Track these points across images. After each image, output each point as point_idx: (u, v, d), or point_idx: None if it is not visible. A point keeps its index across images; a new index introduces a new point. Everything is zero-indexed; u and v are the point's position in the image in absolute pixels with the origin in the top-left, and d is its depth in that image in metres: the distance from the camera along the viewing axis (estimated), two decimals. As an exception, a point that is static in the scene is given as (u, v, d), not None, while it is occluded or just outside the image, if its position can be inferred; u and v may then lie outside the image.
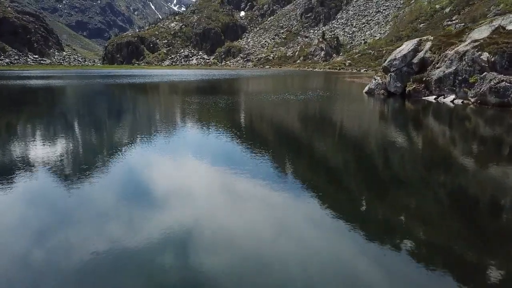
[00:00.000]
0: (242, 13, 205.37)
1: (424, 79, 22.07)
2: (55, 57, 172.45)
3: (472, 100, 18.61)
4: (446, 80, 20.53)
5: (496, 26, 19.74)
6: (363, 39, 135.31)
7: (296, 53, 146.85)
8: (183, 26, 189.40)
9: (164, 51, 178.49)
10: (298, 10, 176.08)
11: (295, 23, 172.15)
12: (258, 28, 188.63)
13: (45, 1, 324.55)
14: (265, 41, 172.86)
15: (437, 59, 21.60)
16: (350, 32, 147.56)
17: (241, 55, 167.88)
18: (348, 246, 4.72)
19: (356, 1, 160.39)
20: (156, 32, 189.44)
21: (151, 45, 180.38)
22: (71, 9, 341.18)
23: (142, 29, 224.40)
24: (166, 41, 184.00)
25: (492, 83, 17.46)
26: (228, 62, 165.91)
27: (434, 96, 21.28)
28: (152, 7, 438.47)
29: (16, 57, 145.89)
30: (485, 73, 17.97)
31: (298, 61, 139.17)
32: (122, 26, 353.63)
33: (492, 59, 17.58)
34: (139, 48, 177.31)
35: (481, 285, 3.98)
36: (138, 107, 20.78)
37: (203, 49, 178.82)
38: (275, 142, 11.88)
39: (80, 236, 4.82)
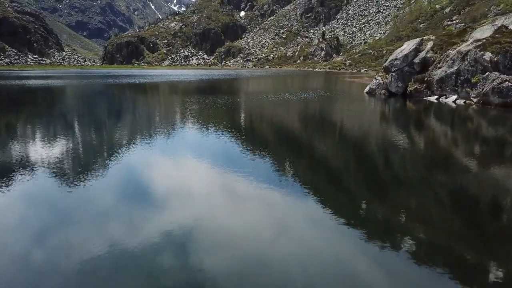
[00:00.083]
0: (242, 13, 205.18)
1: (425, 79, 21.91)
2: (55, 57, 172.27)
3: (475, 100, 18.45)
4: (448, 80, 20.36)
5: (499, 25, 19.57)
6: (363, 39, 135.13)
7: (296, 53, 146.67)
8: (183, 26, 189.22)
9: (164, 51, 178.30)
10: (298, 10, 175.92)
11: (295, 23, 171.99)
12: (258, 28, 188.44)
13: (45, 1, 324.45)
14: (265, 41, 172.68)
15: (439, 59, 21.44)
16: (350, 32, 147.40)
17: (241, 55, 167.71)
18: (348, 246, 4.70)
19: (356, 1, 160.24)
20: (156, 32, 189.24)
21: (151, 45, 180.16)
22: (71, 9, 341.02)
23: (142, 29, 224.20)
24: (166, 41, 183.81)
25: (495, 83, 17.30)
26: (228, 62, 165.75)
27: (436, 96, 21.11)
28: (152, 7, 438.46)
29: (16, 57, 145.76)
30: (488, 73, 17.80)
31: (298, 61, 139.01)
32: (122, 26, 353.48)
33: (495, 59, 17.42)
34: (139, 48, 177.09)
35: (481, 285, 3.96)
36: (138, 107, 20.67)
37: (203, 49, 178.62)
38: (275, 142, 11.78)
39: (80, 236, 4.80)
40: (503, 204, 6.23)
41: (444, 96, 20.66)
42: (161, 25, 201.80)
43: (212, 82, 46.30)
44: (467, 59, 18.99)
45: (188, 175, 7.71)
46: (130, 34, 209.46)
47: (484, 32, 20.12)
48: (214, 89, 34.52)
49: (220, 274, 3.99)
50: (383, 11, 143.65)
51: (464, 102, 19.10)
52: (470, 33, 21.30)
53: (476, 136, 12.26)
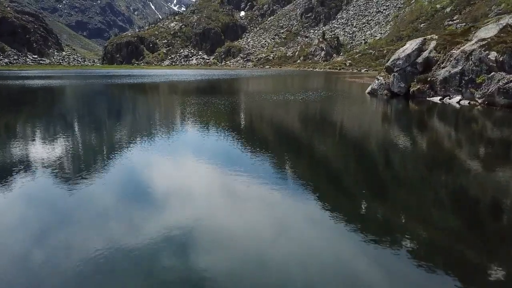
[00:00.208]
0: (242, 13, 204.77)
1: (428, 79, 21.56)
2: (55, 57, 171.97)
3: (479, 101, 18.10)
4: (452, 80, 20.02)
5: (504, 24, 19.20)
6: (364, 39, 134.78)
7: (296, 53, 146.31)
8: (183, 26, 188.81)
9: (164, 51, 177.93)
10: (298, 10, 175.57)
11: (295, 23, 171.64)
12: (258, 28, 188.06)
13: (45, 1, 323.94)
14: (265, 41, 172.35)
15: (442, 59, 21.10)
16: (351, 32, 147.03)
17: (241, 55, 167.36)
18: (348, 246, 4.70)
19: (356, 1, 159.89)
20: (156, 32, 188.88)
21: (151, 45, 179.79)
22: (71, 9, 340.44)
23: (142, 29, 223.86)
24: (166, 41, 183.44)
25: (500, 83, 16.95)
26: (228, 62, 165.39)
27: (439, 97, 20.76)
28: (152, 7, 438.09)
29: (15, 57, 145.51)
30: (493, 73, 17.46)
31: (298, 61, 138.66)
32: (122, 26, 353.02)
33: (501, 59, 17.07)
34: (139, 48, 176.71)
35: (481, 285, 3.95)
36: (138, 107, 20.48)
37: (203, 49, 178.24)
38: (276, 142, 11.62)
39: (80, 236, 4.80)
40: (503, 204, 6.18)
41: (448, 97, 20.31)
42: (161, 25, 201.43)
43: (212, 82, 46.05)
44: (471, 58, 18.65)
45: (188, 175, 7.69)
46: (130, 34, 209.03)
47: (488, 31, 19.77)
48: (214, 89, 34.29)
49: (220, 274, 3.98)
50: (384, 11, 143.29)
51: (469, 103, 18.75)
52: (474, 33, 20.95)
53: (481, 137, 11.97)
